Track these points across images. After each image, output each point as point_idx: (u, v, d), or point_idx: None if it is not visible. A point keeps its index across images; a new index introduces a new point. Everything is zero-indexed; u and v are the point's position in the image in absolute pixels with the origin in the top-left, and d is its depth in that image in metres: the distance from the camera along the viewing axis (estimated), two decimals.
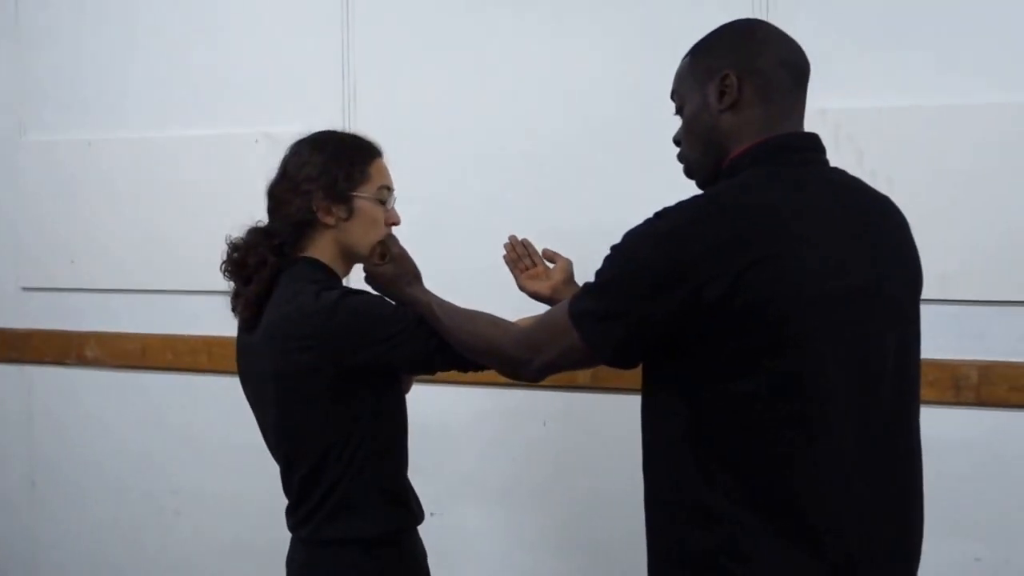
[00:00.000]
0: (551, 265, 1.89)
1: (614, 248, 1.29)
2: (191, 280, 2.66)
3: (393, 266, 1.65)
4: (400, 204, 1.73)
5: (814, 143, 1.35)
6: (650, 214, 1.27)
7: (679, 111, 1.42)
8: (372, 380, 1.59)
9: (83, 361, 2.84)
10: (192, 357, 2.71)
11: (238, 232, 1.67)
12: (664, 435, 1.31)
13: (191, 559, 2.78)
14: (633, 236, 1.27)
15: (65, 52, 2.84)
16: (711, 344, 1.21)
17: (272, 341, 1.58)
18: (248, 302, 1.62)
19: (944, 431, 2.00)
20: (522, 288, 1.87)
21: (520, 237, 1.92)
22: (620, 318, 1.25)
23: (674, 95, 1.43)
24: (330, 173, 1.62)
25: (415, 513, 1.69)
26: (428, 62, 2.45)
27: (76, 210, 2.83)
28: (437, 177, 2.39)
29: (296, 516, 1.65)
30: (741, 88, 1.32)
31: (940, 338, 1.98)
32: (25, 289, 2.92)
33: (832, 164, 1.36)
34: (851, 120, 2.06)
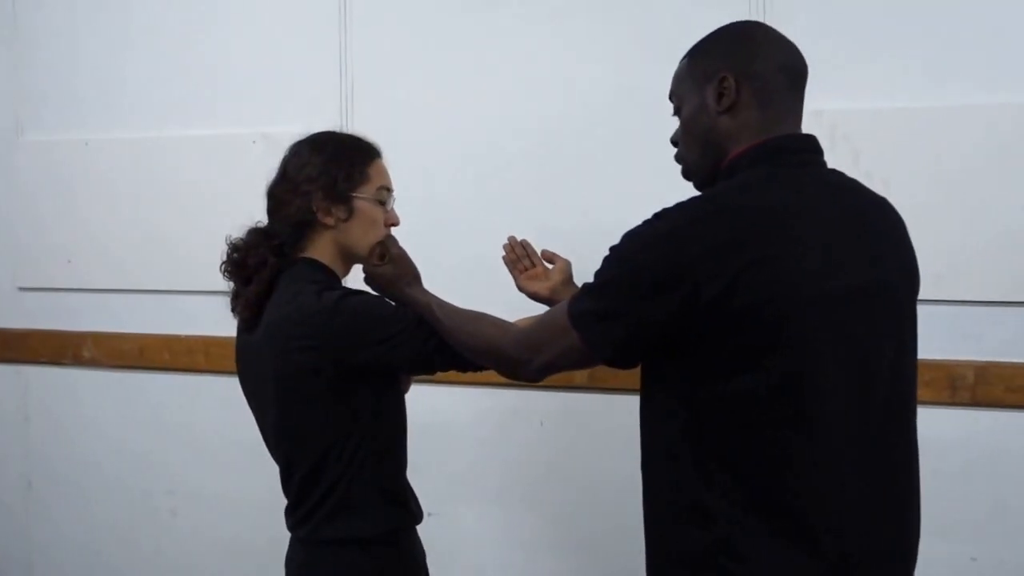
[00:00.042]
0: (550, 266, 1.89)
1: (613, 249, 1.29)
2: (189, 280, 2.66)
3: (392, 267, 1.65)
4: (399, 204, 1.74)
5: (812, 144, 1.35)
6: (649, 214, 1.28)
7: (677, 112, 1.43)
8: (372, 380, 1.60)
9: (80, 361, 2.84)
10: (189, 357, 2.70)
11: (237, 232, 1.67)
12: (663, 435, 1.31)
13: (189, 559, 2.77)
14: (632, 237, 1.27)
15: (63, 52, 2.83)
16: (710, 344, 1.22)
17: (273, 341, 1.59)
18: (248, 302, 1.62)
19: (940, 431, 2.01)
20: (521, 289, 1.87)
21: (519, 237, 1.92)
22: (619, 318, 1.26)
23: (672, 96, 1.44)
24: (330, 174, 1.63)
25: (414, 513, 1.69)
26: (426, 62, 2.45)
27: (74, 210, 2.82)
28: (436, 177, 2.40)
29: (295, 516, 1.65)
30: (739, 91, 1.32)
31: (936, 338, 1.99)
32: (22, 289, 2.92)
33: (829, 165, 1.37)
34: (847, 121, 2.07)
